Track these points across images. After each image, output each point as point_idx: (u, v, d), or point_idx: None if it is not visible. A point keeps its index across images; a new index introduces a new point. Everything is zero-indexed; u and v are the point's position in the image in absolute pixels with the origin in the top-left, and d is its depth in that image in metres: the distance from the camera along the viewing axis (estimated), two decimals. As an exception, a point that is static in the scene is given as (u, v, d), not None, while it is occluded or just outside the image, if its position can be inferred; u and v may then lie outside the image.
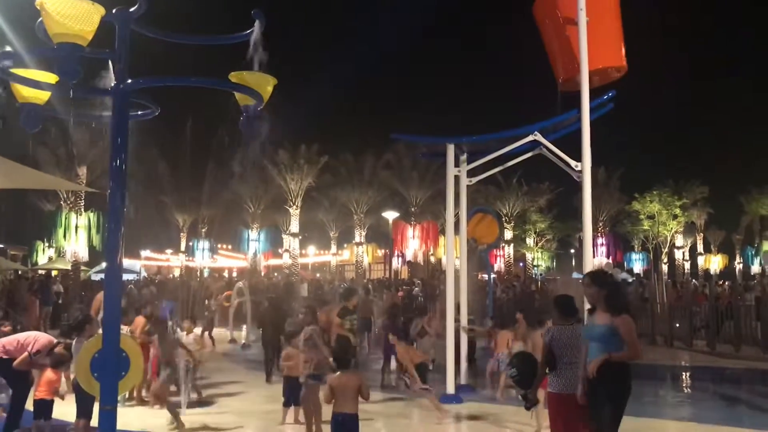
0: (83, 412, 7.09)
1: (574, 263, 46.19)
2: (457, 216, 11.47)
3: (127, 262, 7.17)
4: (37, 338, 8.03)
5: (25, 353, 7.73)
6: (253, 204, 44.75)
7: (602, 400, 5.39)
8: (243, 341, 17.46)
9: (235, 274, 44.32)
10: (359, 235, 45.52)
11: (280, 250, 46.82)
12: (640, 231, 44.89)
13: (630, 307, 6.30)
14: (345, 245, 49.91)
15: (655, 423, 9.03)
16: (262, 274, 43.32)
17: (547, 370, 5.91)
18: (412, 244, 42.00)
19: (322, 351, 8.04)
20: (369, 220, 45.64)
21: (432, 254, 43.99)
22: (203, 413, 9.19)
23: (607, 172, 44.14)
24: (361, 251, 45.43)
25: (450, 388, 10.30)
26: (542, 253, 51.69)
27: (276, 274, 42.72)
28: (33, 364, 7.81)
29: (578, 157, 9.83)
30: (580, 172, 9.79)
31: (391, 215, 41.86)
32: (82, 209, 35.46)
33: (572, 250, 50.46)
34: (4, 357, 7.80)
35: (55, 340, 8.11)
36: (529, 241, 49.75)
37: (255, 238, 46.20)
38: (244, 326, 18.31)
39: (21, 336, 8.17)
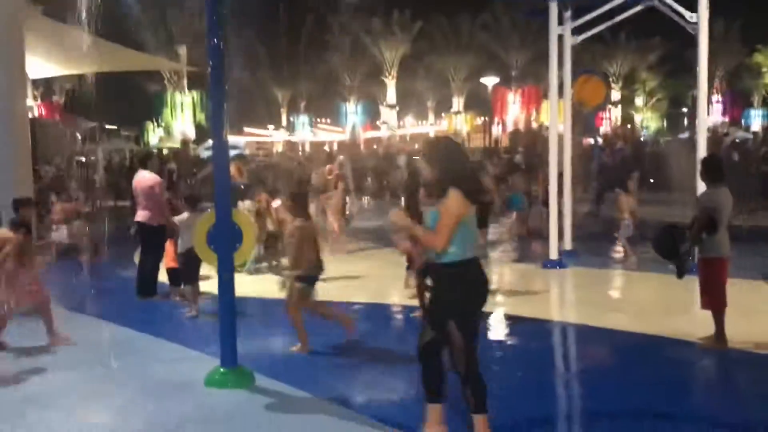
0: (190, 278, 7.62)
1: (686, 123, 43.83)
2: (560, 78, 10.93)
3: (231, 139, 7.37)
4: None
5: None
6: (350, 76, 44.54)
7: None
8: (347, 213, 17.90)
9: (335, 148, 44.99)
10: (457, 104, 44.72)
11: (377, 123, 46.87)
12: (761, 85, 41.69)
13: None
14: (443, 115, 49.25)
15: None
16: (361, 147, 43.77)
17: (703, 235, 5.80)
18: (513, 111, 40.96)
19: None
20: (467, 87, 44.57)
21: (534, 120, 42.78)
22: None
23: (725, 23, 40.66)
24: (459, 120, 44.78)
25: (553, 254, 10.27)
26: (652, 113, 49.21)
27: (375, 146, 43.03)
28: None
29: (693, 8, 9.13)
30: (696, 23, 9.10)
31: (490, 81, 40.64)
32: (186, 88, 36.38)
33: (684, 109, 47.66)
34: (148, 223, 8.41)
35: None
36: (638, 101, 47.35)
37: (353, 111, 46.38)
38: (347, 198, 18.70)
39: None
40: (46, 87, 34.61)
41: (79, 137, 30.51)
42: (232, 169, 10.48)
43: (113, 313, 7.62)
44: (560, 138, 11.06)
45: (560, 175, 10.88)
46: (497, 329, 7.19)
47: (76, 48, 18.44)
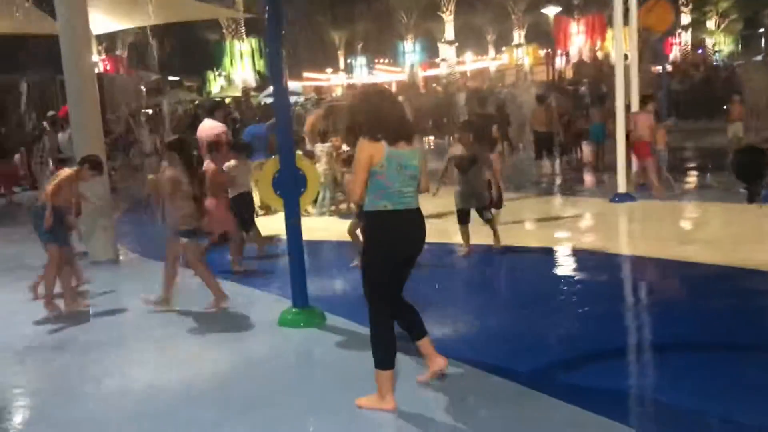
0: (246, 223, 7.74)
1: (763, 44, 41.41)
2: (626, 4, 10.47)
3: (290, 84, 7.34)
4: None
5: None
6: (406, 14, 43.72)
7: None
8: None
9: (394, 88, 44.57)
10: (518, 37, 43.44)
11: (436, 60, 46.06)
12: None
13: None
14: (503, 49, 47.94)
15: None
16: (420, 86, 43.22)
17: None
18: (577, 41, 39.47)
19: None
20: (528, 19, 43.17)
21: (599, 50, 41.19)
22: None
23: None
24: (521, 53, 43.55)
25: (621, 187, 10.05)
26: (725, 36, 46.68)
27: (434, 84, 42.40)
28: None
29: None
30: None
31: (551, 11, 39.18)
32: (244, 36, 36.46)
33: (761, 30, 44.94)
34: None
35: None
36: (710, 24, 44.91)
37: (410, 50, 45.67)
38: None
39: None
40: (109, 41, 35.25)
41: (144, 90, 31.12)
42: (313, 118, 10.54)
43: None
44: (626, 68, 10.68)
45: (627, 107, 10.56)
46: (565, 263, 7.16)
47: (135, 1, 18.68)
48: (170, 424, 4.05)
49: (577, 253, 7.43)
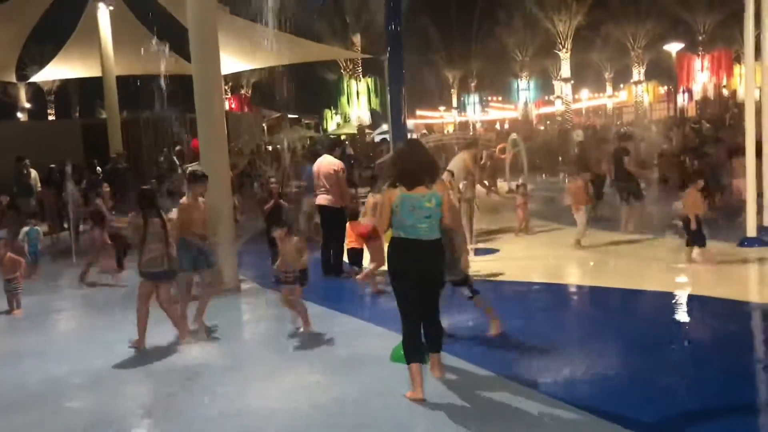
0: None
1: None
2: (758, 37, 9.98)
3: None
4: None
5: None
6: (521, 52, 43.60)
7: None
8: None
9: (506, 126, 44.36)
10: (637, 73, 42.24)
11: (550, 97, 45.50)
12: None
13: None
14: (621, 86, 46.70)
15: None
16: (534, 123, 42.74)
17: None
18: (701, 78, 37.92)
19: None
20: (648, 55, 41.94)
21: (725, 87, 39.35)
22: (488, 259, 9.61)
23: None
24: (640, 90, 42.27)
25: (751, 231, 9.48)
26: None
27: (548, 122, 41.84)
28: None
29: None
30: None
31: (674, 47, 37.91)
32: (361, 76, 37.53)
33: None
34: (331, 206, 8.92)
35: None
36: None
37: (525, 87, 45.39)
38: (521, 178, 18.44)
39: None
40: (234, 81, 37.25)
41: (265, 127, 32.55)
42: (466, 156, 10.58)
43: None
44: (757, 105, 10.15)
45: (758, 144, 10.00)
46: (695, 312, 6.81)
47: (261, 43, 19.71)
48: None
49: (705, 302, 7.06)
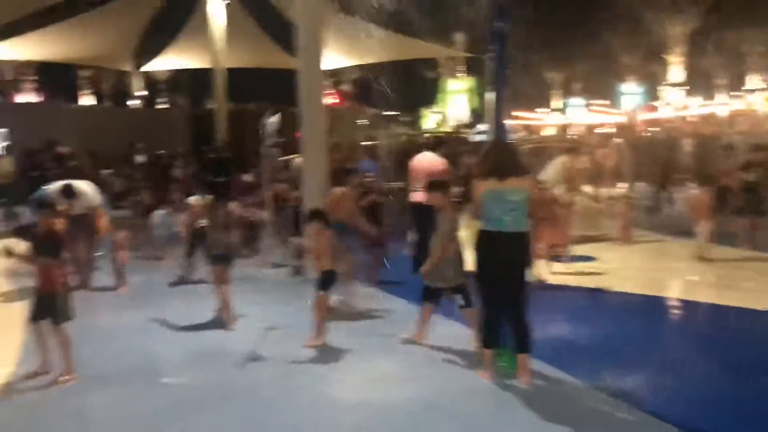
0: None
1: None
2: None
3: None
4: None
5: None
6: (628, 56, 42.13)
7: None
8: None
9: (610, 130, 42.93)
10: (754, 81, 39.95)
11: (658, 103, 43.72)
12: None
13: None
14: (735, 93, 44.30)
15: None
16: (639, 128, 41.16)
17: None
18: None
19: None
20: (766, 62, 39.62)
21: None
22: (584, 268, 9.35)
23: None
24: (756, 99, 39.96)
25: None
26: None
27: (655, 128, 40.20)
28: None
29: None
30: None
31: (796, 54, 35.63)
32: (461, 74, 37.29)
33: None
34: (427, 204, 8.86)
35: None
36: None
37: (631, 92, 43.85)
38: (623, 185, 17.79)
39: None
40: (336, 77, 37.85)
41: (364, 123, 32.90)
42: (566, 160, 10.40)
43: (393, 288, 8.15)
44: None
45: None
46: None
47: (363, 40, 19.95)
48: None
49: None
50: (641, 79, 43.94)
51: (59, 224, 5.61)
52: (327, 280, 6.12)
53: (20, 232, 5.65)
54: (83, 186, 8.72)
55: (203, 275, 8.25)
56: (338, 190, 7.92)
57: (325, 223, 6.23)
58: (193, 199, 8.89)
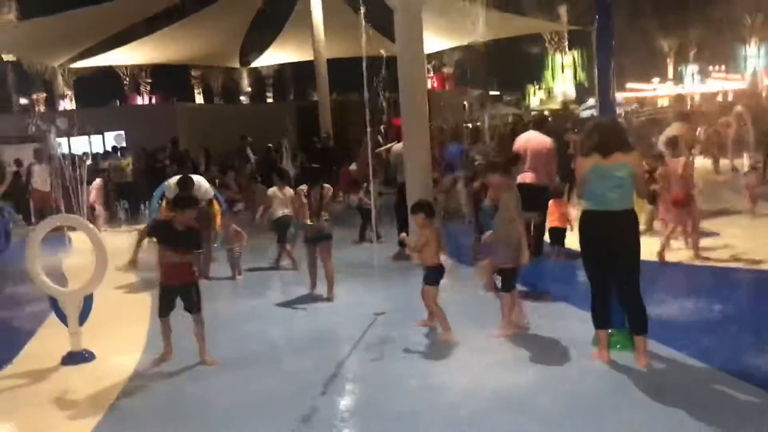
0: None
1: None
2: None
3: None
4: None
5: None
6: (750, 16, 39.38)
7: None
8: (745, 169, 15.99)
9: (730, 98, 40.41)
10: None
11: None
12: None
13: None
14: None
15: None
16: (764, 94, 38.45)
17: None
18: None
19: None
20: None
21: None
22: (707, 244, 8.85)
23: None
24: None
25: None
26: None
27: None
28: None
29: None
30: None
31: None
32: (566, 49, 36.22)
33: None
34: (534, 183, 8.60)
35: None
36: None
37: (753, 55, 41.03)
38: (745, 154, 16.70)
39: None
40: (437, 59, 37.63)
41: (466, 105, 32.57)
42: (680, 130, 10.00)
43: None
44: None
45: None
46: None
47: (463, 19, 19.66)
48: (483, 424, 4.21)
49: None
50: (764, 41, 41.00)
51: (191, 218, 5.88)
52: (433, 275, 6.03)
53: (156, 229, 5.96)
54: (199, 180, 9.17)
55: (301, 260, 8.49)
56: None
57: (430, 215, 6.14)
58: (271, 191, 9.28)
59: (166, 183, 9.41)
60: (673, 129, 10.02)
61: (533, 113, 30.67)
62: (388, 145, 11.68)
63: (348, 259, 9.14)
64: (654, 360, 4.96)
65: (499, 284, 5.98)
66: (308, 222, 7.49)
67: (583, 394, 4.58)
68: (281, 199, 9.05)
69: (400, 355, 5.57)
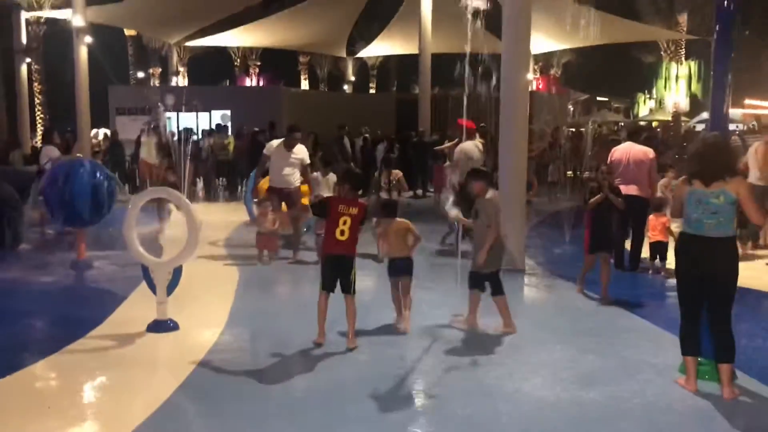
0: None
1: None
2: None
3: (730, 111, 6.64)
4: None
5: None
6: None
7: None
8: None
9: None
10: None
11: None
12: None
13: None
14: None
15: None
16: None
17: None
18: None
19: None
20: None
21: None
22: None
23: None
24: None
25: None
26: None
27: None
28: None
29: None
30: None
31: None
32: (683, 58, 34.62)
33: None
34: (636, 196, 8.32)
35: None
36: None
37: None
38: None
39: None
40: (545, 60, 36.77)
41: (571, 109, 31.68)
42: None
43: (594, 284, 7.73)
44: None
45: None
46: None
47: (575, 22, 19.10)
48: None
49: None
50: None
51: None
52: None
53: (318, 207, 6.22)
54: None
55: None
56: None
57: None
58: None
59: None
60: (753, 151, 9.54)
61: (642, 122, 29.44)
62: (451, 143, 11.60)
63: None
64: (745, 395, 4.65)
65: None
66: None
67: (660, 419, 4.36)
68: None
69: (467, 362, 5.44)
